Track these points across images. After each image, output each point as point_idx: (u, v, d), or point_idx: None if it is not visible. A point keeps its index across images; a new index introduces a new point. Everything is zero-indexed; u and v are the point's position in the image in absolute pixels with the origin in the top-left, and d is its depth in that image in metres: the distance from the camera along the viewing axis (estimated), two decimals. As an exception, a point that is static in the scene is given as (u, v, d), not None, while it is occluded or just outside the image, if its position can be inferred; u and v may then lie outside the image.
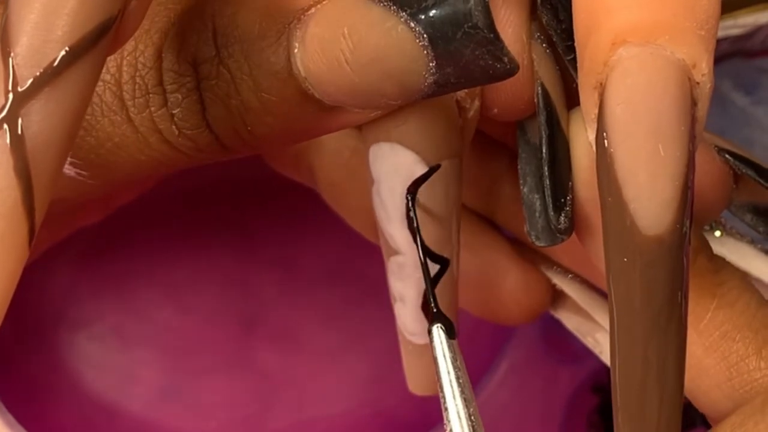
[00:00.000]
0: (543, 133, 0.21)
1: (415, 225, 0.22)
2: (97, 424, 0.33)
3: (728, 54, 0.36)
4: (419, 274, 0.23)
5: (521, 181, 0.23)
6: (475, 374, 0.33)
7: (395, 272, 0.24)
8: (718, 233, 0.26)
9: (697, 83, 0.17)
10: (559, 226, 0.20)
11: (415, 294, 0.24)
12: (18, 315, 0.34)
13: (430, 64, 0.19)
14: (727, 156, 0.23)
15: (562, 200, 0.20)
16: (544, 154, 0.21)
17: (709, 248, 0.21)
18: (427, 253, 0.23)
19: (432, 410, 0.33)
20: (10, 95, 0.16)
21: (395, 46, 0.19)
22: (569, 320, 0.29)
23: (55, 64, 0.16)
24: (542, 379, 0.33)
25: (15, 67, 0.16)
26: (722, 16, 0.32)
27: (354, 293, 0.35)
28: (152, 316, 0.35)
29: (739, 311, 0.21)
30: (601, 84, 0.17)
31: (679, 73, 0.17)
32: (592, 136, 0.17)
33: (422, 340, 0.25)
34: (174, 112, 0.20)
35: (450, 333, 0.22)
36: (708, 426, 0.23)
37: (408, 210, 0.22)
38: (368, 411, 0.34)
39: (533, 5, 0.22)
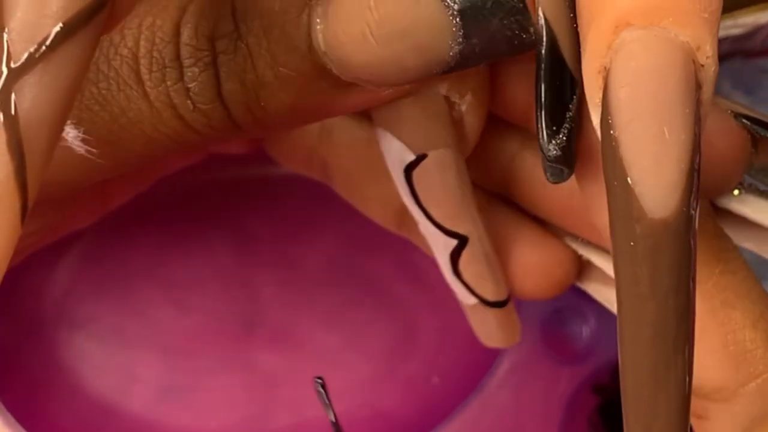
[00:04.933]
0: (542, 61, 0.21)
1: (420, 204, 0.24)
2: (97, 424, 0.33)
3: (728, 54, 0.36)
4: (441, 245, 0.25)
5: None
6: (475, 374, 0.33)
7: (425, 238, 0.26)
8: (736, 192, 0.25)
9: (702, 66, 0.17)
10: (549, 154, 0.20)
11: (444, 261, 0.26)
12: (18, 315, 0.34)
13: (458, 34, 0.19)
14: (744, 121, 0.23)
15: (554, 128, 0.20)
16: (541, 81, 0.21)
17: (714, 214, 0.21)
18: (440, 228, 0.25)
19: (432, 410, 0.33)
20: (4, 71, 0.16)
21: (424, 16, 0.19)
22: (597, 291, 0.29)
23: (50, 39, 0.16)
24: (542, 379, 0.33)
25: (9, 42, 0.16)
26: (722, 16, 0.32)
27: (354, 293, 0.35)
28: (152, 315, 0.35)
29: (740, 279, 0.21)
30: (605, 68, 0.17)
31: (683, 55, 0.17)
32: (596, 120, 0.17)
33: (467, 300, 0.27)
34: (190, 86, 0.21)
35: None
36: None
37: (409, 188, 0.24)
38: (368, 411, 0.34)
39: None
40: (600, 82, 0.17)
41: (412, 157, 0.24)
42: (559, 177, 0.21)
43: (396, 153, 0.24)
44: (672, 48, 0.17)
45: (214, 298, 0.35)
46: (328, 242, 0.36)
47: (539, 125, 0.20)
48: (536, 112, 0.21)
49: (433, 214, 0.25)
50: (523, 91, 0.25)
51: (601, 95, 0.17)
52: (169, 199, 0.35)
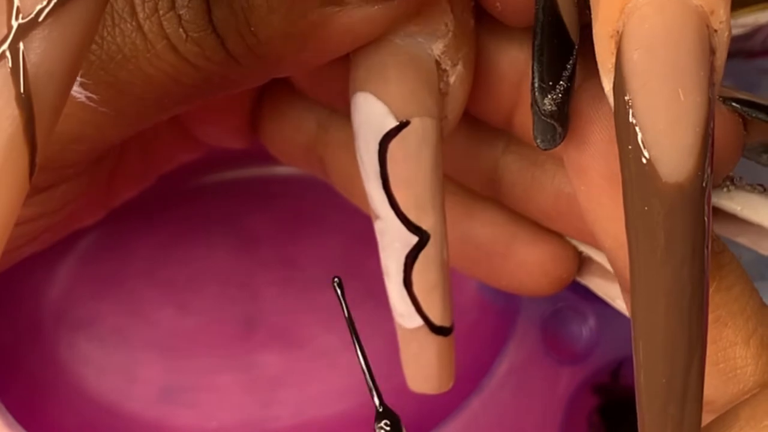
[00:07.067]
0: (538, 17, 0.21)
1: (388, 187, 0.23)
2: (97, 424, 0.33)
3: (729, 54, 0.36)
4: (399, 243, 0.24)
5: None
6: (475, 374, 0.33)
7: (379, 241, 0.24)
8: (725, 189, 0.25)
9: (715, 31, 0.17)
10: (544, 108, 0.20)
11: (395, 267, 0.24)
12: (18, 315, 0.34)
13: None
14: (733, 104, 0.23)
15: (550, 83, 0.20)
16: (537, 38, 0.21)
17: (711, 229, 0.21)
18: (404, 220, 0.23)
19: (432, 410, 0.33)
20: (14, 25, 0.16)
21: None
22: (596, 285, 0.29)
23: None
24: (542, 379, 0.33)
25: None
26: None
27: (354, 293, 0.35)
28: (152, 316, 0.35)
29: (734, 297, 0.20)
30: (617, 32, 0.17)
31: (696, 18, 0.16)
32: (608, 86, 0.17)
33: (410, 323, 0.25)
34: (181, 13, 0.21)
35: (395, 429, 0.21)
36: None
37: (380, 165, 0.23)
38: (368, 411, 0.34)
39: None
40: (612, 47, 0.17)
41: (393, 124, 0.23)
42: (551, 140, 0.20)
43: (375, 119, 0.23)
44: (686, 11, 0.16)
45: (214, 299, 0.35)
46: (328, 242, 0.36)
47: (534, 81, 0.20)
48: (531, 68, 0.21)
49: (400, 200, 0.23)
50: (505, 90, 0.25)
51: (613, 60, 0.17)
52: (169, 199, 0.35)
